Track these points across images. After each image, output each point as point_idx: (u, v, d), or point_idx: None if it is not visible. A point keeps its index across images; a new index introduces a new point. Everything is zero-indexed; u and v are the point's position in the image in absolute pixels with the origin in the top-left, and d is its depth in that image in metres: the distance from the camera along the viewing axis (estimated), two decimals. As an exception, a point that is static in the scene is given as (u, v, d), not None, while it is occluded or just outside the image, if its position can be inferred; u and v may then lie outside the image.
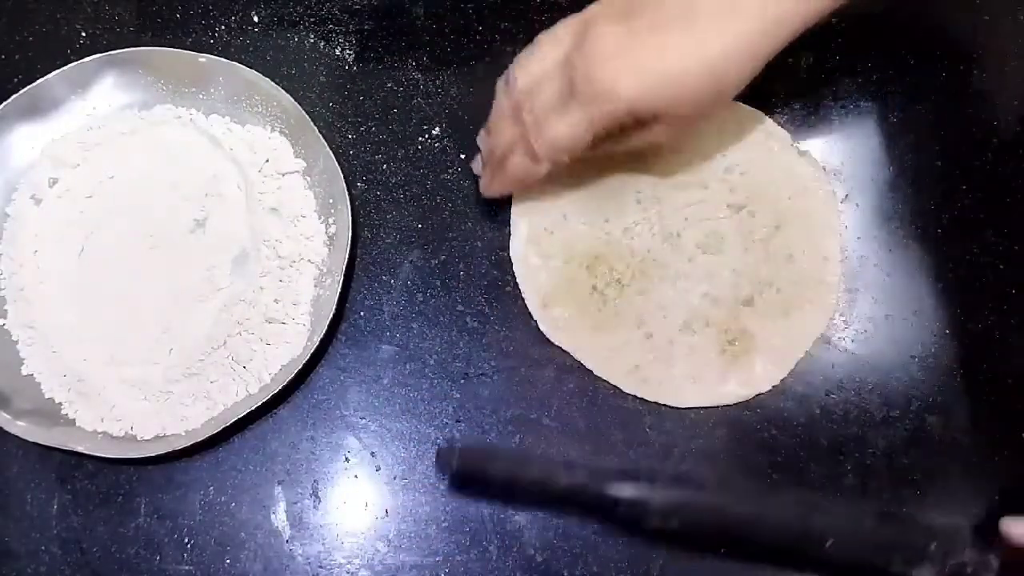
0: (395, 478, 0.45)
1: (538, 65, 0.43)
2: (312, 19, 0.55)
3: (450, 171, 0.51)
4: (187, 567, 0.44)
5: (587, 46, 0.40)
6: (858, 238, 0.49)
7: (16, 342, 0.47)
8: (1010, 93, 0.52)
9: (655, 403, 0.46)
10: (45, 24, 0.54)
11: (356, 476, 0.45)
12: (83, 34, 0.54)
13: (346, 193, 0.47)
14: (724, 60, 0.40)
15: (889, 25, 0.53)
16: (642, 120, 0.41)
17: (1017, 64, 0.53)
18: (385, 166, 0.51)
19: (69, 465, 0.45)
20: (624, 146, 0.44)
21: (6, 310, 0.47)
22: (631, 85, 0.40)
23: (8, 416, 0.44)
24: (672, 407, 0.46)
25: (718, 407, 0.46)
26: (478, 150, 0.48)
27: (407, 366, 0.47)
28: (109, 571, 0.44)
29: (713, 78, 0.40)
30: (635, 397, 0.46)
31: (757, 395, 0.46)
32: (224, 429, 0.44)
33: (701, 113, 0.43)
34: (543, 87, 0.42)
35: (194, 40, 0.54)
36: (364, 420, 0.46)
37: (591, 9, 0.42)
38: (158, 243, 0.48)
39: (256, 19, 0.55)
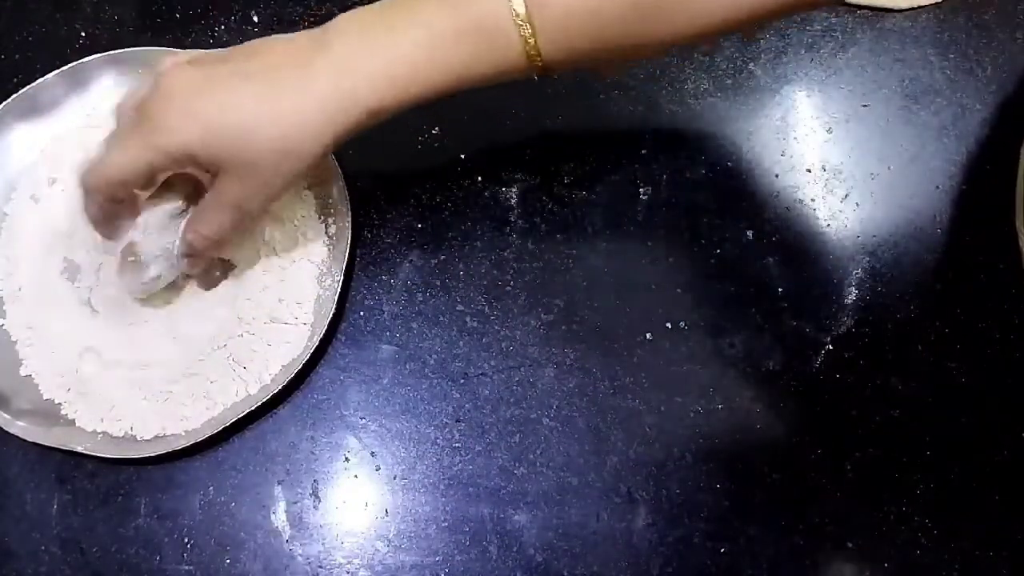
0: (395, 478, 0.45)
1: (132, 98, 0.41)
2: (312, 19, 0.54)
3: (450, 171, 0.51)
4: (187, 567, 0.44)
5: (160, 82, 0.39)
6: (857, 237, 0.49)
7: (15, 342, 0.47)
8: (1009, 92, 0.52)
9: (655, 403, 0.46)
10: (45, 24, 0.54)
11: (356, 476, 0.45)
12: (83, 34, 0.54)
13: (346, 193, 0.47)
14: (296, 119, 0.38)
15: (886, 28, 0.53)
16: (207, 167, 0.39)
17: (1016, 64, 0.53)
18: (385, 166, 0.51)
19: (69, 465, 0.45)
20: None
21: (5, 310, 0.47)
22: (189, 127, 0.37)
23: (8, 416, 0.44)
24: (671, 406, 0.46)
25: (720, 408, 0.46)
26: (479, 149, 0.48)
27: (407, 366, 0.47)
28: (109, 571, 0.44)
29: (281, 137, 0.38)
30: (635, 397, 0.46)
31: (756, 399, 0.46)
32: (224, 429, 0.44)
33: (272, 172, 0.39)
34: (120, 120, 0.41)
35: (194, 40, 0.54)
36: (364, 420, 0.46)
37: (193, 52, 0.42)
38: (158, 243, 0.48)
39: (256, 19, 0.55)
